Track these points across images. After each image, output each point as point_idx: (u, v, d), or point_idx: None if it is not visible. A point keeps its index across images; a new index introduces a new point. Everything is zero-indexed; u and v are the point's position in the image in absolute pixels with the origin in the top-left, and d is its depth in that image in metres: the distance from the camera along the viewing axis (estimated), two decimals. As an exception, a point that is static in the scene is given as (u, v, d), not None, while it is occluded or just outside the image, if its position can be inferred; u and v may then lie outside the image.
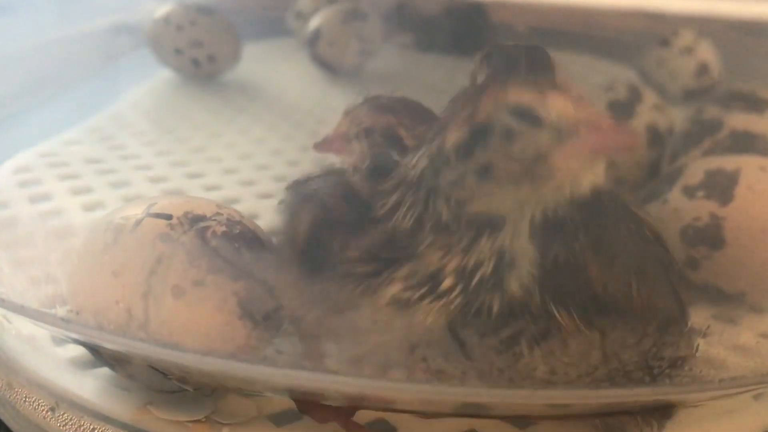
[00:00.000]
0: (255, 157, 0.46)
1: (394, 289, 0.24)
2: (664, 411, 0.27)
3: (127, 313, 0.26)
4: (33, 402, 0.30)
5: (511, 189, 0.23)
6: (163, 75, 0.55)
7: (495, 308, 0.23)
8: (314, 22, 0.53)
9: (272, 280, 0.27)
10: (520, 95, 0.22)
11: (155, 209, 0.27)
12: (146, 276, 0.26)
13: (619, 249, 0.25)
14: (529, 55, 0.26)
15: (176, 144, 0.48)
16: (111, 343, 0.27)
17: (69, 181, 0.42)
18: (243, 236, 0.27)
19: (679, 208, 0.33)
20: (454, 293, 0.23)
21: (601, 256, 0.24)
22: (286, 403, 0.29)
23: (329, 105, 0.51)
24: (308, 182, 0.28)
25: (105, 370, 0.31)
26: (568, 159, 0.22)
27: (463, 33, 0.50)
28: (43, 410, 0.29)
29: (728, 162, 0.33)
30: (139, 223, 0.27)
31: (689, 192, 0.33)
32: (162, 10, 0.53)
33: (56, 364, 0.31)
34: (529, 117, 0.22)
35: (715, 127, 0.38)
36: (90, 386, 0.30)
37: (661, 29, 0.50)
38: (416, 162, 0.24)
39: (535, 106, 0.22)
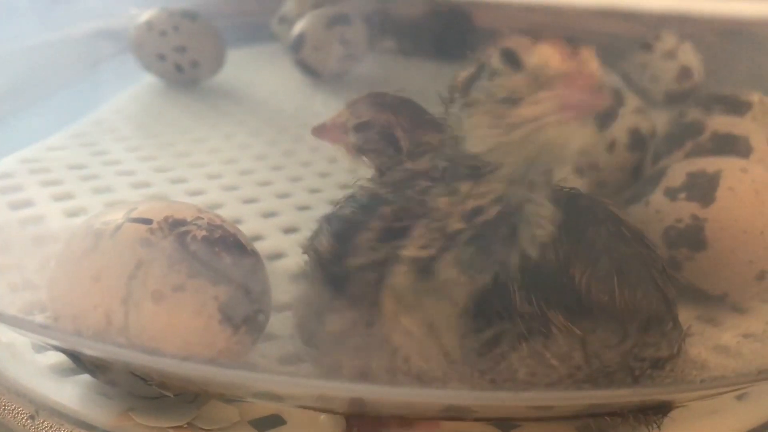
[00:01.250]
0: (239, 162, 0.46)
1: (411, 251, 0.24)
2: (658, 410, 0.27)
3: (105, 318, 0.25)
4: (13, 410, 0.29)
5: (488, 131, 0.23)
6: (146, 81, 0.55)
7: (513, 263, 0.23)
8: (298, 27, 0.53)
9: (252, 284, 0.27)
10: (515, 40, 0.23)
11: (135, 214, 0.27)
12: (126, 281, 0.25)
13: (599, 249, 0.25)
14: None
15: (159, 149, 0.47)
16: (90, 349, 0.27)
17: (51, 188, 0.41)
18: (224, 240, 0.27)
19: (661, 209, 0.33)
20: (464, 236, 0.23)
21: (583, 257, 0.24)
22: (269, 408, 0.29)
23: (313, 110, 0.51)
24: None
25: (85, 377, 0.30)
26: (536, 109, 0.22)
27: (446, 37, 0.50)
28: (22, 418, 0.29)
29: (710, 164, 0.34)
30: (119, 228, 0.26)
31: (671, 194, 0.33)
32: (145, 16, 0.53)
33: (36, 371, 0.30)
34: (512, 59, 0.22)
35: (696, 129, 0.38)
36: (70, 393, 0.29)
37: (643, 33, 0.50)
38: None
39: (521, 51, 0.22)
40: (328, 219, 0.26)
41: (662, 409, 0.27)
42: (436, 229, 0.24)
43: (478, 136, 0.23)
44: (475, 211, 0.24)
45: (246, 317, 0.26)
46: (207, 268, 0.26)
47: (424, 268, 0.24)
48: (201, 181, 0.44)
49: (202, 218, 0.27)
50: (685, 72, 0.49)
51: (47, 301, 0.27)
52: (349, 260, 0.25)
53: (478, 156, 0.24)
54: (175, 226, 0.27)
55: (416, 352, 0.24)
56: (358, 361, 0.25)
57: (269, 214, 0.41)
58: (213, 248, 0.26)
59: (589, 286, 0.24)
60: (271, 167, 0.46)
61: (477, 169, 0.24)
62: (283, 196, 0.43)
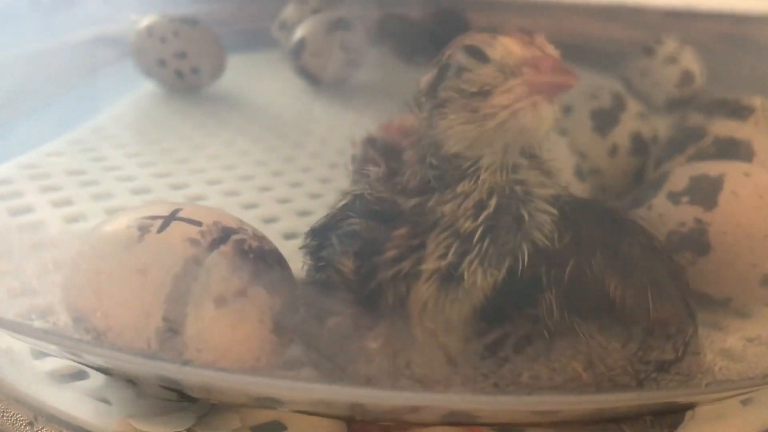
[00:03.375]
0: (239, 168, 0.46)
1: (431, 265, 0.24)
2: (674, 416, 0.27)
3: (146, 315, 0.25)
4: (11, 416, 0.29)
5: (464, 127, 0.24)
6: (146, 87, 0.55)
7: (525, 255, 0.24)
8: (298, 33, 0.53)
9: (293, 296, 0.27)
10: (475, 37, 0.24)
11: (182, 214, 0.27)
12: (174, 279, 0.25)
13: (635, 263, 0.25)
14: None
15: (159, 155, 0.47)
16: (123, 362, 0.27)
17: (50, 194, 0.41)
18: (272, 252, 0.27)
19: (663, 213, 0.33)
20: (477, 236, 0.24)
21: (619, 271, 0.25)
22: (270, 414, 0.28)
23: (313, 116, 0.51)
24: (333, 225, 0.27)
25: (85, 383, 0.30)
26: (508, 97, 0.23)
27: (446, 42, 0.50)
28: (21, 424, 0.29)
29: (712, 168, 0.34)
30: (167, 224, 0.26)
31: (674, 198, 0.33)
32: (145, 22, 0.53)
33: (35, 377, 0.30)
34: (477, 54, 0.24)
35: (698, 134, 0.38)
36: (69, 399, 0.29)
37: (645, 38, 0.51)
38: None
39: (484, 45, 0.24)
40: (340, 237, 0.26)
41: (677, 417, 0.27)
42: (450, 235, 0.24)
43: (455, 133, 0.24)
44: (478, 206, 0.24)
45: (291, 328, 0.26)
46: (264, 276, 0.26)
47: (447, 277, 0.24)
48: (201, 186, 0.44)
49: (246, 229, 0.27)
50: (686, 76, 0.49)
51: (64, 298, 0.27)
52: (373, 278, 0.25)
53: (460, 154, 0.25)
54: (226, 232, 0.26)
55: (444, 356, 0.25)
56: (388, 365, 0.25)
57: (270, 220, 0.41)
58: (266, 258, 0.27)
59: (624, 298, 0.24)
60: (272, 173, 0.46)
61: (463, 167, 0.25)
62: (284, 201, 0.43)
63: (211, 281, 0.25)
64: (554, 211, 0.25)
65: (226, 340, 0.25)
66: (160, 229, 0.26)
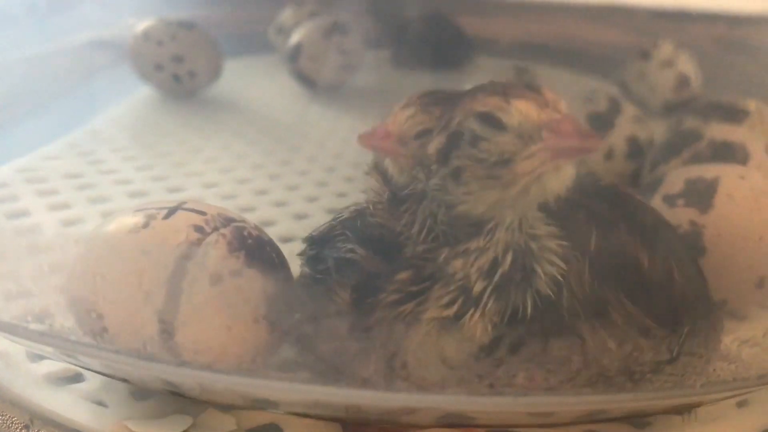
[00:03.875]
0: (235, 171, 0.46)
1: (432, 314, 0.24)
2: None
3: (147, 296, 0.25)
4: (7, 419, 0.29)
5: (485, 192, 0.24)
6: (143, 92, 0.55)
7: (528, 308, 0.24)
8: (295, 37, 0.53)
9: (289, 291, 0.27)
10: (487, 102, 0.23)
11: (187, 206, 0.27)
12: (178, 260, 0.25)
13: (655, 234, 0.26)
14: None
15: (155, 158, 0.47)
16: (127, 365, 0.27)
17: (47, 197, 0.41)
18: (270, 244, 0.28)
19: None
20: (486, 294, 0.24)
21: (642, 241, 0.25)
22: (266, 417, 0.28)
23: (309, 120, 0.51)
24: (331, 239, 0.27)
25: (81, 386, 0.30)
26: (531, 163, 0.23)
27: (444, 47, 0.50)
28: (17, 428, 0.29)
29: (708, 170, 0.34)
30: (173, 212, 0.27)
31: (669, 200, 0.33)
32: (142, 26, 0.53)
33: (31, 380, 0.30)
34: (493, 122, 0.23)
35: (694, 137, 0.38)
36: (65, 402, 0.29)
37: (641, 42, 0.51)
38: (417, 174, 0.25)
39: (499, 112, 0.23)
40: (337, 263, 0.26)
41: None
42: (457, 289, 0.24)
43: (475, 199, 0.24)
44: (492, 265, 0.24)
45: (283, 320, 0.26)
46: (260, 261, 0.26)
47: (447, 323, 0.24)
48: (198, 189, 0.44)
49: (248, 221, 0.28)
50: (682, 80, 0.49)
51: (66, 285, 0.27)
52: (370, 314, 0.25)
53: (476, 215, 0.24)
54: (228, 220, 0.27)
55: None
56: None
57: (266, 223, 0.41)
58: (264, 247, 0.27)
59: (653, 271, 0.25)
60: (269, 176, 0.46)
61: (479, 226, 0.24)
62: (281, 204, 0.43)
63: (208, 259, 0.25)
64: (563, 265, 0.24)
65: (219, 329, 0.25)
66: (167, 216, 0.26)
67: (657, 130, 0.42)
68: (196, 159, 0.48)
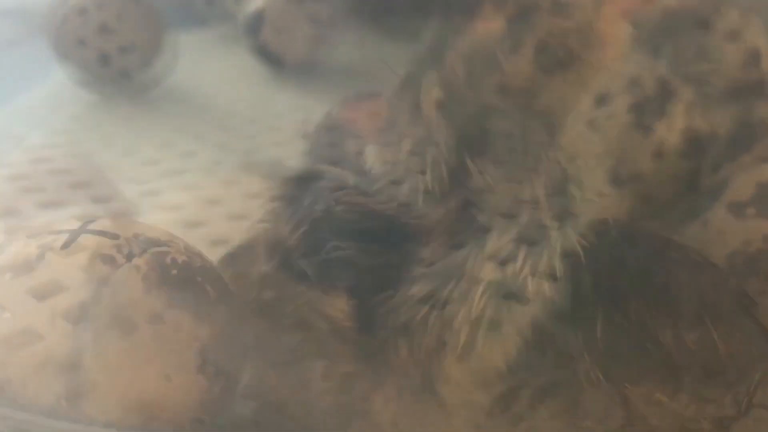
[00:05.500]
0: (182, 176, 0.46)
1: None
2: None
3: (46, 353, 0.24)
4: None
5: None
6: (60, 75, 0.55)
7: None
8: (256, 3, 0.54)
9: (236, 330, 0.27)
10: None
11: (94, 226, 0.27)
12: (81, 304, 0.25)
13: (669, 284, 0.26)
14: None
15: (77, 161, 0.47)
16: None
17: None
18: (206, 270, 0.27)
19: (724, 230, 0.33)
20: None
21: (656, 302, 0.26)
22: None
23: (275, 107, 0.51)
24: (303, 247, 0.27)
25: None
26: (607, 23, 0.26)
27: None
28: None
29: (786, 171, 0.34)
30: (73, 240, 0.26)
31: (736, 210, 0.34)
32: (59, -10, 0.53)
33: None
34: None
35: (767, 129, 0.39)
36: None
37: (700, 8, 0.51)
38: None
39: None
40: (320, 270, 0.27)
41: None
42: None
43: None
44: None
45: (226, 369, 0.26)
46: (190, 298, 0.26)
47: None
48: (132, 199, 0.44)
49: (177, 242, 0.28)
50: (752, 57, 0.49)
51: None
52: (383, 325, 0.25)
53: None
54: (148, 244, 0.27)
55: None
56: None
57: (219, 242, 0.40)
58: (195, 277, 0.27)
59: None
60: (223, 181, 0.46)
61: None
62: (238, 217, 0.43)
63: (117, 300, 0.25)
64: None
65: (138, 378, 0.25)
66: (66, 245, 0.26)
67: (720, 121, 0.42)
68: (130, 161, 0.48)
